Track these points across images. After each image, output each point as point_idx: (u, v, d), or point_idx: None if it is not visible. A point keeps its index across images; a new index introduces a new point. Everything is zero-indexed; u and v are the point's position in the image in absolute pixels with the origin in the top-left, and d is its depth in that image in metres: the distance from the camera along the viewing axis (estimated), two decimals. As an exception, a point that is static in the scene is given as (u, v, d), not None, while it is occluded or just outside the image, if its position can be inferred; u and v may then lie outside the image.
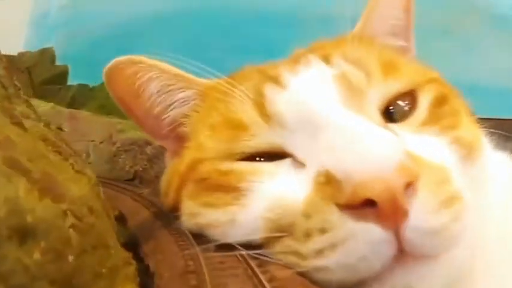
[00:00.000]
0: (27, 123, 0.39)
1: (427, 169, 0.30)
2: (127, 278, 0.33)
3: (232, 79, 0.40)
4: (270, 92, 0.37)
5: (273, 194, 0.33)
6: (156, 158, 1.02)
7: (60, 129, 1.09)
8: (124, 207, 0.60)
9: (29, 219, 0.19)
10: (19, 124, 0.32)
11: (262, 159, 0.36)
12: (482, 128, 0.43)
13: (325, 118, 0.33)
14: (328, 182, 0.30)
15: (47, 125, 0.47)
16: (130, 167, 1.04)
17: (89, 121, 1.12)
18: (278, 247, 0.31)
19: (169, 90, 0.43)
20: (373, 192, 0.27)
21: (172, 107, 0.43)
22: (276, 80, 0.37)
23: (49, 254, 0.20)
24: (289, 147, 0.35)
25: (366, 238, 0.28)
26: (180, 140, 0.43)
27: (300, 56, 0.41)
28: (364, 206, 0.28)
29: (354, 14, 0.49)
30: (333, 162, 0.30)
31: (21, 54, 1.32)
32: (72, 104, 1.37)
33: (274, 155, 0.36)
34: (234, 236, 0.33)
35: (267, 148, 0.36)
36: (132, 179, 1.03)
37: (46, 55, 1.35)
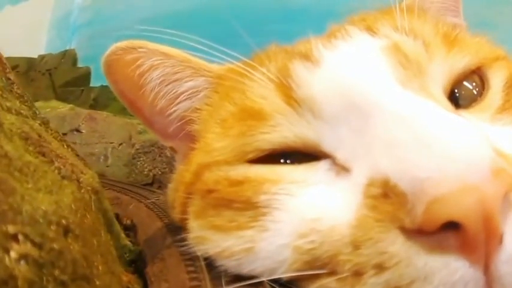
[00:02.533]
0: (11, 119, 0.34)
1: None
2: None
3: (252, 61, 0.32)
4: (300, 70, 0.29)
5: (305, 211, 0.25)
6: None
7: (77, 130, 1.07)
8: (137, 216, 0.56)
9: None
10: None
11: (288, 161, 0.28)
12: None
13: (377, 102, 0.25)
14: (386, 195, 0.22)
15: (45, 123, 0.42)
16: (149, 170, 1.01)
17: (108, 122, 1.10)
18: (315, 287, 0.23)
19: (175, 80, 0.36)
20: (459, 210, 0.19)
21: (178, 99, 0.36)
22: (306, 56, 0.30)
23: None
24: (327, 145, 0.27)
25: (444, 277, 0.20)
26: (190, 140, 0.36)
27: (336, 31, 0.33)
28: (444, 231, 0.20)
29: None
30: (393, 165, 0.22)
31: (41, 57, 1.32)
32: (95, 106, 1.36)
33: (305, 156, 0.28)
34: (253, 269, 0.25)
35: (295, 144, 0.28)
36: (151, 184, 0.99)
37: (68, 57, 1.34)
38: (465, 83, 0.31)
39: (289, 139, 0.28)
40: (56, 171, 0.30)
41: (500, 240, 0.20)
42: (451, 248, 0.20)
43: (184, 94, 0.36)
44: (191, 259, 0.29)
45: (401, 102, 0.24)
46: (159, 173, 1.00)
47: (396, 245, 0.21)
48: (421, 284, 0.21)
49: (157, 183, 0.99)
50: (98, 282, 0.24)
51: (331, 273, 0.23)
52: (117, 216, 0.47)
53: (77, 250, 0.22)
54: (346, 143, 0.26)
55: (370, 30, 0.31)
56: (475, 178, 0.20)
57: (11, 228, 0.17)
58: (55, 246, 0.19)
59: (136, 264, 0.41)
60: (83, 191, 0.31)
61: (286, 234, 0.25)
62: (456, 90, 0.31)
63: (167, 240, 0.40)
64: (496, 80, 0.32)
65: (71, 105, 1.13)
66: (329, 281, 0.23)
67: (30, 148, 0.30)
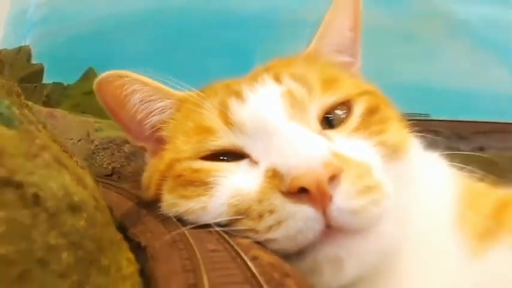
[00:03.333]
0: (34, 127, 0.46)
1: (350, 165, 0.38)
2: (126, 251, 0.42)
3: (202, 92, 0.50)
4: (233, 104, 0.45)
5: (234, 186, 0.41)
6: (133, 156, 1.08)
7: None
8: (109, 200, 0.65)
9: (76, 198, 0.27)
10: (44, 128, 0.40)
11: (225, 158, 0.44)
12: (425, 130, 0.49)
13: (274, 128, 0.42)
14: (274, 175, 0.38)
15: (45, 127, 0.54)
16: (108, 163, 1.10)
17: (67, 120, 1.16)
18: (239, 225, 0.39)
19: (150, 100, 0.51)
20: (305, 182, 0.35)
21: (152, 114, 0.51)
22: (238, 95, 0.46)
23: (89, 222, 0.28)
24: (247, 149, 0.43)
25: (301, 216, 0.36)
26: (159, 142, 0.51)
27: (258, 74, 0.50)
28: (300, 193, 0.36)
29: (321, 18, 0.53)
30: (278, 161, 0.39)
31: (-3, 52, 1.32)
32: (48, 102, 1.38)
33: (235, 155, 0.44)
34: (206, 219, 0.40)
35: (230, 147, 0.44)
36: (111, 175, 1.09)
37: (23, 53, 1.36)
38: (337, 110, 0.45)
39: (226, 144, 0.44)
40: (75, 163, 0.45)
41: (330, 198, 0.35)
42: (304, 201, 0.36)
43: (156, 110, 0.51)
44: (165, 219, 0.43)
45: (285, 128, 0.41)
46: (118, 166, 1.09)
47: (278, 200, 0.37)
48: (291, 220, 0.36)
49: (117, 174, 1.09)
50: (112, 229, 0.40)
51: (247, 217, 0.38)
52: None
53: (104, 210, 0.38)
54: (258, 149, 0.42)
55: (277, 79, 0.47)
56: (313, 167, 0.36)
57: (88, 192, 0.33)
58: (99, 205, 0.36)
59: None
60: (93, 178, 0.46)
61: (224, 198, 0.40)
62: (331, 116, 0.45)
63: (142, 211, 0.51)
64: (357, 109, 0.45)
65: (29, 102, 1.18)
66: (246, 221, 0.38)
67: (59, 147, 0.44)
